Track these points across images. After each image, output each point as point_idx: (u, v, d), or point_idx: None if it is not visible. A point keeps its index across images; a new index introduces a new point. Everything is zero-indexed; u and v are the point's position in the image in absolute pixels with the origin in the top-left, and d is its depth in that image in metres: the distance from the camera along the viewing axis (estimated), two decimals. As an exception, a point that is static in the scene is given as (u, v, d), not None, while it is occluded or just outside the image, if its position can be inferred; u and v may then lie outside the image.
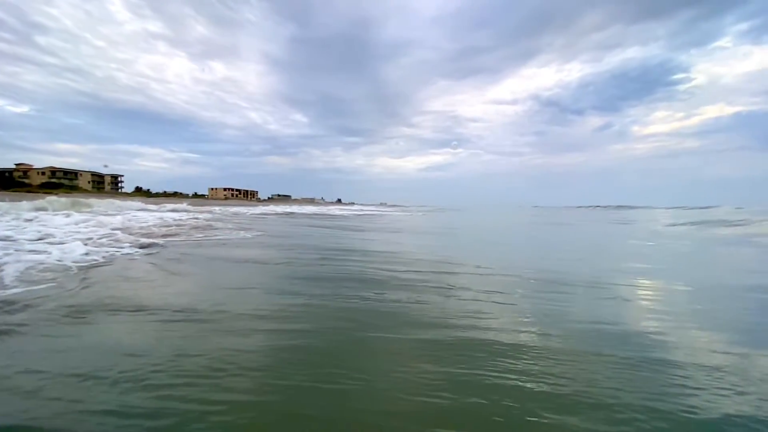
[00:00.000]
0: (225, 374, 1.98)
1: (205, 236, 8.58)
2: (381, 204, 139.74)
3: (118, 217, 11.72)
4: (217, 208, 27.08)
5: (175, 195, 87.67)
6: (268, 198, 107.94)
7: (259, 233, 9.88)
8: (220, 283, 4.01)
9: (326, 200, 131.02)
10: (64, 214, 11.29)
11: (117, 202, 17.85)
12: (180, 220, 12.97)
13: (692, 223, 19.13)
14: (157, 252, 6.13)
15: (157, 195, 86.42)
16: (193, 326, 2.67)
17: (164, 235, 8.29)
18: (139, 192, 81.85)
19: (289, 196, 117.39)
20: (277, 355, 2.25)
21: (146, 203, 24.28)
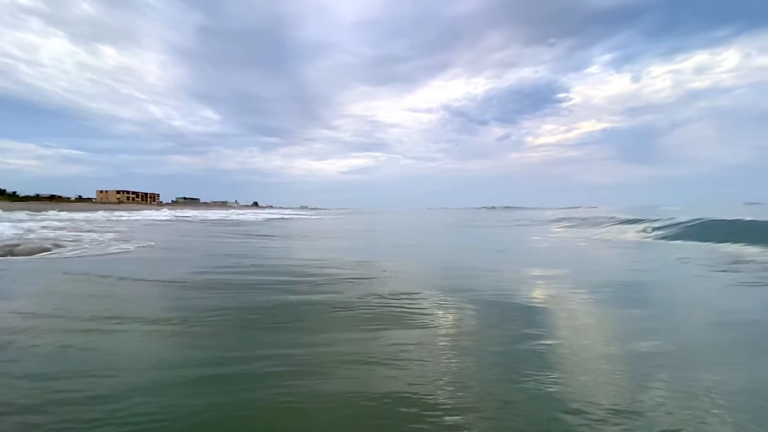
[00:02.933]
0: None
1: (52, 252, 7.14)
2: (302, 207, 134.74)
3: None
4: (83, 214, 22.86)
5: (53, 199, 72.06)
6: (173, 201, 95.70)
7: (144, 244, 8.60)
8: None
9: (240, 203, 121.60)
10: None
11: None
12: (23, 232, 10.62)
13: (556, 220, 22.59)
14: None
15: (26, 199, 69.85)
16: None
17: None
18: (1, 195, 65.11)
19: (197, 200, 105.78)
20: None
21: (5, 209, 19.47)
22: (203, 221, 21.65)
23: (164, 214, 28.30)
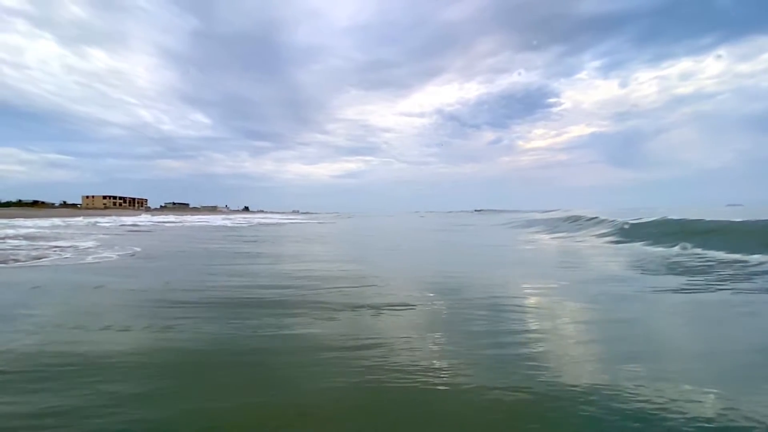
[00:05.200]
0: None
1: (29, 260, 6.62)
2: (294, 211, 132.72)
3: None
4: (51, 221, 21.76)
5: (35, 205, 70.05)
6: (161, 207, 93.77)
7: (129, 251, 8.10)
8: None
9: (231, 208, 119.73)
10: None
11: None
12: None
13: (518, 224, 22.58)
14: None
15: (8, 205, 67.67)
16: None
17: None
18: (-20, 201, 62.88)
19: (186, 205, 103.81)
20: None
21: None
22: (184, 227, 20.93)
23: (142, 220, 26.92)
